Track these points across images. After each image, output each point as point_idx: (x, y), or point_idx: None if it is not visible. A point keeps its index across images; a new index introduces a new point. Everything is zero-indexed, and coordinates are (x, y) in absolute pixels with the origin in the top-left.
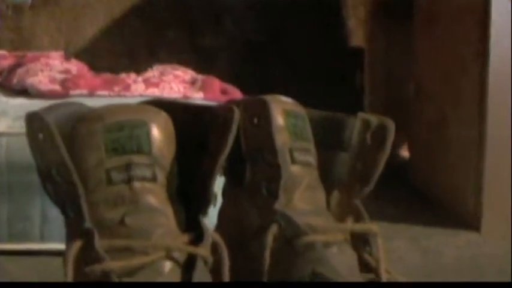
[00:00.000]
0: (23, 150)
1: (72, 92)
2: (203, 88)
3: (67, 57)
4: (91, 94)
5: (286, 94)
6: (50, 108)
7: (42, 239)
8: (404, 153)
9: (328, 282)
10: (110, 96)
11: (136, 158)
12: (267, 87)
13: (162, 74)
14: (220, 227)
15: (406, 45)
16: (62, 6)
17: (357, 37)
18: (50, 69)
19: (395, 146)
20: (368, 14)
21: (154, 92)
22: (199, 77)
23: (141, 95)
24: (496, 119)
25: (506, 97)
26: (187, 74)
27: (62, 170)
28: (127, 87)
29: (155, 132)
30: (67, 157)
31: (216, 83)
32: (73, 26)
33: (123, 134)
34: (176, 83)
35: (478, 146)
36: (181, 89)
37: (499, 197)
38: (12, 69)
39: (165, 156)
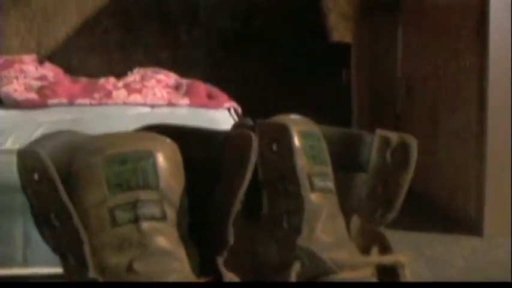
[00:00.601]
0: (3, 168)
1: (50, 101)
2: (188, 93)
3: (41, 61)
4: (71, 103)
5: (268, 90)
6: (43, 140)
7: (26, 263)
8: None
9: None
10: (91, 104)
11: (143, 194)
12: (247, 83)
13: (143, 78)
14: (232, 263)
15: (393, 40)
16: (33, 6)
17: (339, 32)
18: (24, 76)
19: None
20: (351, 7)
21: (136, 99)
22: (184, 81)
23: (124, 103)
24: (497, 118)
25: (507, 94)
26: (171, 77)
27: (62, 215)
28: (108, 94)
29: (162, 163)
30: (68, 201)
31: (202, 87)
32: (44, 27)
33: (126, 167)
34: (159, 88)
35: (478, 148)
36: (165, 95)
37: (500, 201)
38: None
39: (173, 189)
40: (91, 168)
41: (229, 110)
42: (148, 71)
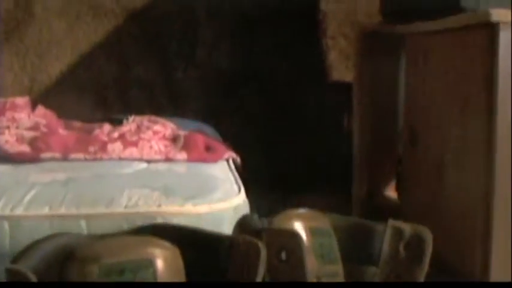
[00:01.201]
0: None
1: (43, 155)
2: (186, 147)
3: (33, 106)
4: (65, 157)
5: (266, 129)
6: (34, 249)
7: None
8: (391, 193)
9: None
10: (85, 159)
11: None
12: (245, 123)
13: (139, 128)
14: None
15: (395, 82)
16: (26, 42)
17: (338, 71)
18: (16, 125)
19: (381, 186)
20: (352, 46)
21: (132, 153)
22: (181, 132)
23: (119, 157)
24: (505, 168)
25: None
26: (167, 128)
27: None
28: (103, 146)
29: (162, 272)
30: None
31: (200, 140)
32: (37, 64)
33: (124, 279)
34: (156, 140)
35: (485, 200)
36: (162, 148)
37: (507, 257)
38: None
39: None
40: (85, 279)
41: (227, 160)
42: (145, 120)
